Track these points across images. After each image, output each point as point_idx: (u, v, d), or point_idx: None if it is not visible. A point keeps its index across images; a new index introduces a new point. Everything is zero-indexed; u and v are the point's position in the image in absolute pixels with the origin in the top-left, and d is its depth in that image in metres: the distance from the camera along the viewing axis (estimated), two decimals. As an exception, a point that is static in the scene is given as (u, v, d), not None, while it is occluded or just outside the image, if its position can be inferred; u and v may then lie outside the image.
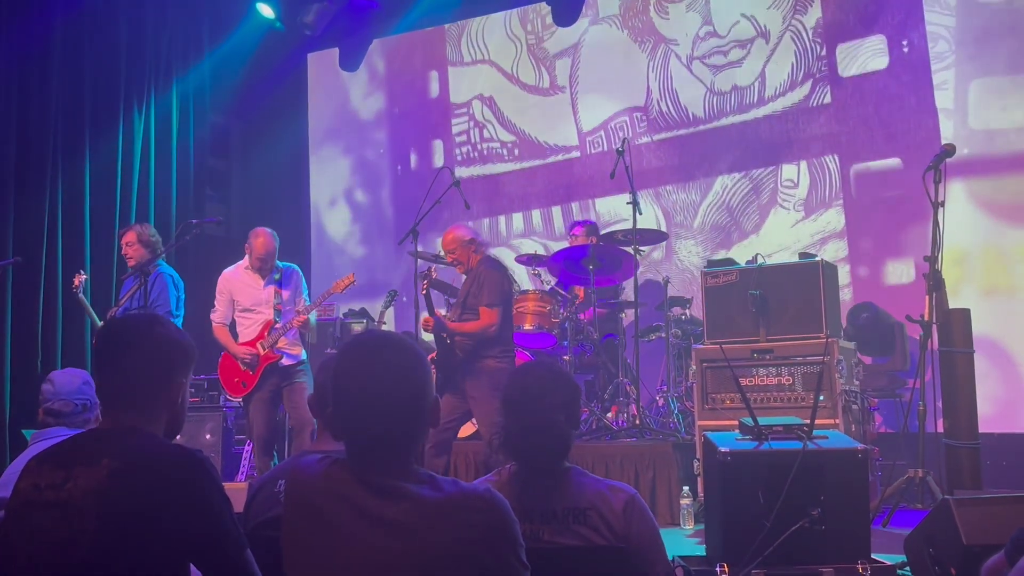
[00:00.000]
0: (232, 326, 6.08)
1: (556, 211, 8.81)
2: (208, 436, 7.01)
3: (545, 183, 8.86)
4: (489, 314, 5.39)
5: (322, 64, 10.10)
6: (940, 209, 4.90)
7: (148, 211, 8.33)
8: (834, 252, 7.42)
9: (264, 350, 5.84)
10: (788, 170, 7.74)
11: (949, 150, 4.99)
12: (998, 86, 6.95)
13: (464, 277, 5.70)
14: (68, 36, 7.77)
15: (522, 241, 8.88)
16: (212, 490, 1.94)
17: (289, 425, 6.34)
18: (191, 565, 1.96)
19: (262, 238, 5.92)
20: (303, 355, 6.06)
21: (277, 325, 5.87)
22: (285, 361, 5.89)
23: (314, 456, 1.89)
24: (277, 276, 5.99)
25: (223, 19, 9.21)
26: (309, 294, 6.27)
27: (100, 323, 5.98)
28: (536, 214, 8.91)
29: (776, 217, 7.76)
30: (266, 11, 9.04)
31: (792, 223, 7.67)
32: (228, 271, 6.06)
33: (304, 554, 1.78)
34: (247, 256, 5.98)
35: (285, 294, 5.99)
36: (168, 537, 1.87)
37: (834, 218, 7.52)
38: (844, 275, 7.33)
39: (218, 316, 6.00)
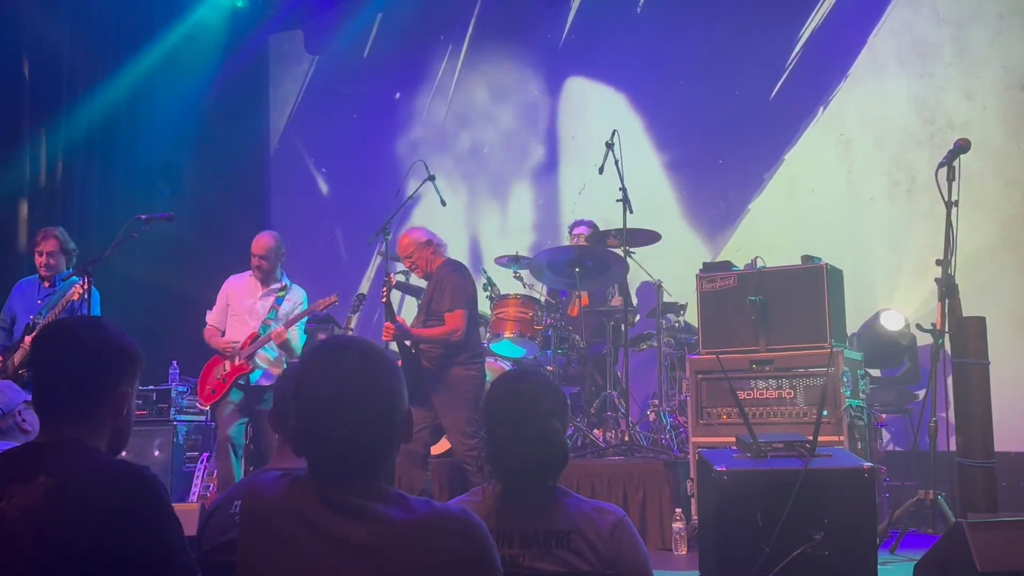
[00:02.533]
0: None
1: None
2: (157, 452, 6.95)
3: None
4: (453, 318, 5.48)
5: (285, 46, 10.06)
6: (954, 209, 4.91)
7: (90, 207, 8.27)
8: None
9: (239, 360, 5.90)
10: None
11: (964, 145, 4.95)
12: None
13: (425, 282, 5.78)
14: (5, 16, 7.71)
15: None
16: (161, 511, 1.92)
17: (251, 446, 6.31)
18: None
19: (262, 238, 6.12)
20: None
21: (261, 338, 5.94)
22: (261, 381, 5.93)
23: (273, 473, 1.88)
24: (282, 292, 6.12)
25: (178, -1, 9.17)
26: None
27: None
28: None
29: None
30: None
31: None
32: (234, 276, 6.27)
33: (262, 581, 1.77)
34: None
35: (282, 311, 6.05)
36: (111, 563, 1.85)
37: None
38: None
39: (211, 318, 6.19)
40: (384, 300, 5.72)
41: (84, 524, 1.84)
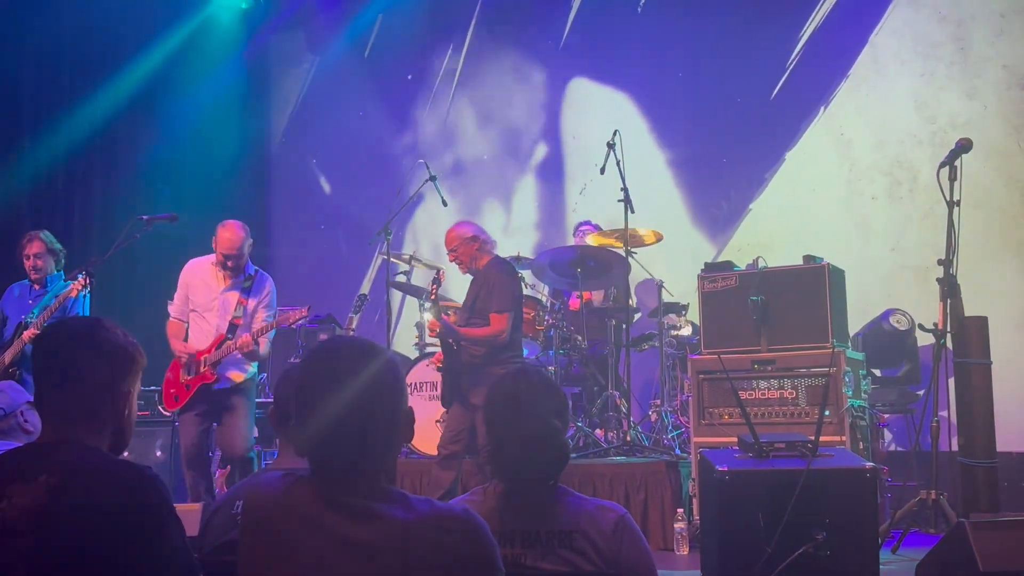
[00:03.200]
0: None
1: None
2: (159, 453, 6.94)
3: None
4: (499, 319, 5.46)
5: (287, 47, 10.06)
6: (956, 208, 4.91)
7: (91, 208, 8.27)
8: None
9: (203, 367, 5.49)
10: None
11: (966, 145, 4.95)
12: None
13: (468, 277, 5.76)
14: (7, 16, 7.71)
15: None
16: (162, 511, 1.92)
17: (217, 453, 5.95)
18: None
19: (229, 231, 5.54)
20: (250, 373, 5.64)
21: (228, 342, 5.48)
22: (224, 386, 5.52)
23: (275, 474, 1.88)
24: (247, 283, 5.61)
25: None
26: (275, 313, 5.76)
27: None
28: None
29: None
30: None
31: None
32: (195, 260, 5.75)
33: (263, 581, 1.77)
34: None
35: (250, 306, 5.58)
36: (113, 562, 1.85)
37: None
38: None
39: (173, 309, 5.75)
40: (432, 297, 5.66)
41: (85, 524, 1.84)
